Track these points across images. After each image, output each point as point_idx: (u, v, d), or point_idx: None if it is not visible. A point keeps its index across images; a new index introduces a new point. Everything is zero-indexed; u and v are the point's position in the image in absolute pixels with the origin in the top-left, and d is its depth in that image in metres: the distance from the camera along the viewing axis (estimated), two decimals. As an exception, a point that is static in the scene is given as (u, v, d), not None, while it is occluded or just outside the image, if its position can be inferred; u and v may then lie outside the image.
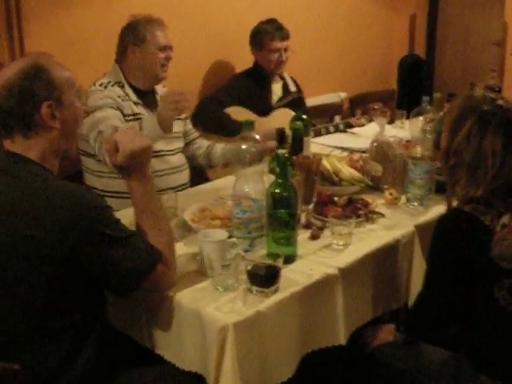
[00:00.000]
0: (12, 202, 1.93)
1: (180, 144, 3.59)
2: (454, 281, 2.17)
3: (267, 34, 4.40)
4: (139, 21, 3.41)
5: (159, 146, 3.31)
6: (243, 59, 4.63)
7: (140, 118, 3.28)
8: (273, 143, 3.08)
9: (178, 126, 3.50)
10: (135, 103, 3.39)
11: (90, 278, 2.00)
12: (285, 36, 4.44)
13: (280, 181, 2.28)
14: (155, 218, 2.14)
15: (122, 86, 3.38)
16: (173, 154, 3.52)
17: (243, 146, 2.29)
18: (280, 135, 2.48)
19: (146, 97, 3.47)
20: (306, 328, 2.23)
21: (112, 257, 1.97)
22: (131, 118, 3.33)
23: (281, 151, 2.31)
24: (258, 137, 2.31)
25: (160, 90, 3.56)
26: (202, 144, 3.65)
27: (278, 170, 2.30)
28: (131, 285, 2.04)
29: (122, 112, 3.27)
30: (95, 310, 2.10)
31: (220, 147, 3.57)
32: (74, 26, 3.90)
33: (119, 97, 3.31)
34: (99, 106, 3.18)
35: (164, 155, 3.44)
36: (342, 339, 2.34)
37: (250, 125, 2.31)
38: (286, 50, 4.43)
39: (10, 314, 1.97)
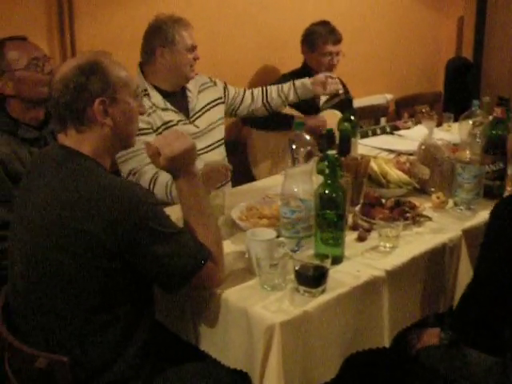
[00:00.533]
0: (64, 195, 1.95)
1: (219, 135, 3.58)
2: (505, 274, 2.15)
3: (321, 37, 4.39)
4: (165, 21, 3.35)
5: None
6: (291, 60, 4.64)
7: (172, 126, 3.30)
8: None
9: (217, 113, 3.53)
10: (163, 109, 3.36)
11: (139, 272, 2.03)
12: (338, 40, 4.42)
13: (329, 181, 2.28)
14: (202, 215, 2.16)
15: (147, 94, 3.34)
16: (212, 149, 3.52)
17: (293, 146, 2.30)
18: (329, 136, 2.48)
19: (174, 98, 3.44)
20: (351, 329, 2.23)
21: (161, 253, 1.98)
22: (162, 128, 3.31)
23: (330, 152, 2.32)
24: (308, 137, 2.31)
25: (191, 84, 3.53)
26: (253, 94, 3.72)
27: (327, 170, 2.30)
28: (180, 281, 2.05)
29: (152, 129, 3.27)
30: (143, 304, 2.12)
31: (273, 89, 3.69)
32: (124, 24, 3.95)
33: (149, 108, 3.26)
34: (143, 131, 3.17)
35: (200, 154, 3.30)
36: (386, 341, 2.34)
37: (300, 125, 2.32)
38: (337, 53, 4.42)
39: (59, 306, 2.00)
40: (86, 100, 2.02)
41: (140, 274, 2.03)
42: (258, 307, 2.06)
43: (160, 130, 3.28)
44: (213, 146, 3.53)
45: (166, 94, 3.40)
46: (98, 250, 1.93)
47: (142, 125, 3.11)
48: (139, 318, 2.09)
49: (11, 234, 2.17)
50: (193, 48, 3.39)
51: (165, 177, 2.97)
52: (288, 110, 4.24)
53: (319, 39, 4.39)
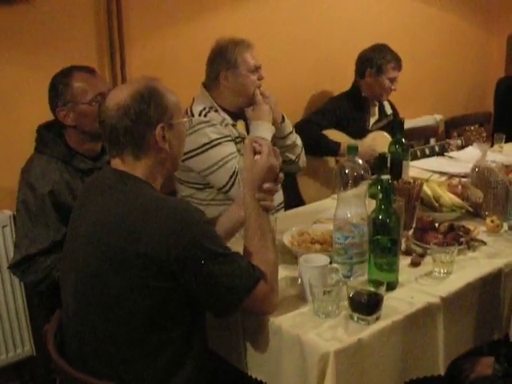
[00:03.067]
0: (117, 218, 1.96)
1: None
2: None
3: (390, 62, 4.38)
4: (227, 45, 3.39)
5: None
6: (339, 83, 4.64)
7: (240, 141, 3.33)
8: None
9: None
10: (233, 125, 3.41)
11: (191, 294, 2.01)
12: (401, 66, 4.43)
13: (383, 206, 2.26)
14: (265, 237, 2.16)
15: (216, 111, 3.38)
16: None
17: (346, 171, 2.28)
18: (381, 160, 2.46)
19: (239, 117, 3.48)
20: (406, 357, 2.19)
21: (215, 273, 1.96)
22: (239, 140, 3.36)
23: (384, 176, 2.28)
24: (360, 161, 2.29)
25: None
26: None
27: (380, 195, 2.27)
28: (233, 303, 2.02)
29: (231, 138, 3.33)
30: (195, 329, 2.10)
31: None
32: (174, 48, 3.98)
33: (221, 123, 3.33)
34: (217, 141, 3.24)
35: None
36: (440, 369, 2.29)
37: (353, 149, 2.30)
38: (396, 79, 4.42)
39: (110, 330, 2.00)
40: (146, 126, 2.04)
41: (192, 295, 2.01)
42: (311, 334, 2.04)
43: (237, 141, 3.35)
44: None
45: (232, 114, 3.44)
46: (151, 271, 1.92)
47: (225, 132, 3.30)
48: (191, 343, 2.08)
49: (63, 258, 2.18)
50: (256, 68, 3.40)
51: None
52: (335, 133, 4.23)
53: (389, 64, 4.38)
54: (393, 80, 4.39)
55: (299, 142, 3.67)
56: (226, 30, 3.90)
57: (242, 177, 2.28)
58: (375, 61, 4.40)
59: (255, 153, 2.25)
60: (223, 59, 3.37)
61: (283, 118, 3.56)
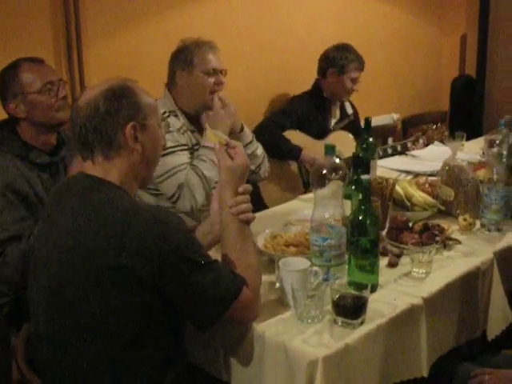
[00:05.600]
0: (93, 229, 1.86)
1: None
2: None
3: (352, 62, 4.35)
4: (188, 45, 3.32)
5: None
6: (301, 82, 4.60)
7: (198, 149, 3.24)
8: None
9: None
10: (191, 131, 3.32)
11: (173, 308, 1.93)
12: (363, 67, 4.41)
13: (362, 207, 2.20)
14: (244, 240, 2.10)
15: (176, 116, 3.29)
16: None
17: (323, 171, 2.22)
18: (357, 160, 2.41)
19: (198, 122, 3.39)
20: (390, 360, 2.14)
21: (197, 283, 1.89)
22: (197, 148, 3.27)
23: (364, 176, 2.23)
24: (338, 160, 2.24)
25: None
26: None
27: (360, 195, 2.22)
28: (216, 312, 1.95)
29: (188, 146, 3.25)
30: (176, 341, 2.02)
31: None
32: (133, 47, 3.90)
33: (179, 130, 3.24)
34: (170, 150, 3.14)
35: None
36: (424, 371, 2.25)
37: (331, 149, 2.25)
38: (358, 80, 4.41)
39: (87, 347, 1.90)
40: (117, 124, 1.95)
41: (173, 308, 1.93)
42: (297, 341, 1.97)
43: (193, 150, 3.26)
44: None
45: (190, 117, 3.35)
46: (131, 284, 1.83)
47: (181, 141, 3.21)
48: (171, 357, 2.00)
49: (31, 272, 2.07)
50: (215, 71, 3.30)
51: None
52: (297, 134, 4.19)
53: (351, 64, 4.35)
54: (354, 80, 4.37)
55: (259, 151, 3.56)
56: (186, 29, 3.86)
57: (219, 182, 2.19)
58: (337, 61, 4.36)
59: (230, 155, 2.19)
60: (181, 58, 3.30)
61: (242, 127, 3.46)
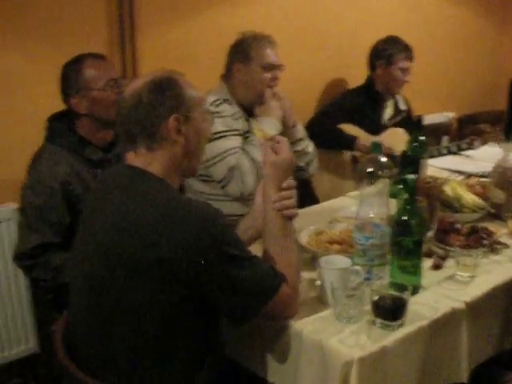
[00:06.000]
0: (134, 221, 1.85)
1: None
2: None
3: (399, 52, 4.29)
4: (246, 38, 3.36)
5: None
6: (355, 76, 4.56)
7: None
8: None
9: None
10: (246, 120, 3.36)
11: (209, 300, 1.91)
12: (412, 56, 4.34)
13: (407, 207, 2.16)
14: (288, 238, 2.08)
15: (231, 104, 3.33)
16: None
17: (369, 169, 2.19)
18: (405, 158, 2.37)
19: (252, 113, 3.40)
20: (429, 365, 2.10)
21: (235, 277, 1.87)
22: (248, 135, 3.30)
23: (409, 176, 2.19)
24: (384, 159, 2.21)
25: None
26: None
27: (405, 195, 2.18)
28: (255, 308, 1.92)
29: (240, 133, 3.26)
30: (211, 334, 2.01)
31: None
32: (186, 39, 3.90)
33: (232, 115, 3.28)
34: (222, 134, 3.18)
35: None
36: (464, 376, 2.21)
37: (378, 147, 2.21)
38: (409, 71, 4.33)
39: (121, 337, 1.89)
40: (160, 116, 1.94)
41: (210, 302, 1.91)
42: (333, 341, 1.94)
43: (245, 136, 3.29)
44: None
45: (244, 107, 3.38)
46: (169, 277, 1.81)
47: (233, 126, 3.26)
48: (206, 349, 1.99)
49: (72, 259, 2.08)
50: (271, 67, 3.33)
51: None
52: (351, 128, 4.14)
53: (398, 54, 4.28)
54: (404, 70, 4.30)
55: (310, 149, 3.58)
56: (242, 21, 3.87)
57: (264, 177, 2.17)
58: (384, 52, 4.32)
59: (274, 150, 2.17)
60: (239, 51, 3.35)
61: (295, 122, 3.48)
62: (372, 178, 2.21)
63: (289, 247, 2.07)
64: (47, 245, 2.60)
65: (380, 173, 2.20)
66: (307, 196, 3.94)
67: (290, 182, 2.17)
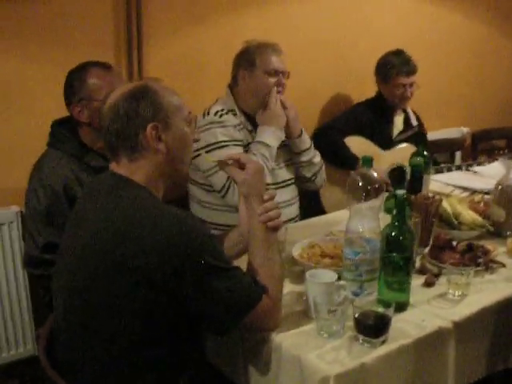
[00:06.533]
0: (114, 225, 1.85)
1: (289, 175, 3.51)
2: None
3: (394, 68, 4.22)
4: (251, 46, 3.37)
5: (267, 178, 3.24)
6: (363, 90, 4.52)
7: None
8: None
9: (283, 154, 3.44)
10: (250, 131, 3.35)
11: (189, 309, 1.89)
12: (412, 71, 4.24)
13: (396, 223, 2.14)
14: (270, 248, 2.07)
15: (235, 114, 3.33)
16: (282, 187, 3.44)
17: (360, 183, 2.17)
18: (399, 173, 2.35)
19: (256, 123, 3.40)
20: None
21: (214, 288, 1.86)
22: (247, 147, 3.29)
23: (399, 191, 2.16)
24: (375, 174, 2.19)
25: None
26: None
27: (394, 211, 2.16)
28: (233, 320, 1.91)
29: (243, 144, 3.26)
30: (191, 341, 2.00)
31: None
32: (192, 48, 3.88)
33: (235, 126, 3.28)
34: (223, 144, 3.17)
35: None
36: (449, 398, 2.18)
37: (368, 162, 2.19)
38: (411, 85, 4.25)
39: (100, 344, 1.89)
40: (137, 126, 1.94)
41: (190, 311, 1.90)
42: (312, 356, 1.92)
43: (246, 149, 3.28)
44: (283, 184, 3.49)
45: (249, 117, 3.38)
46: (148, 285, 1.81)
47: (236, 136, 3.26)
48: (186, 356, 1.98)
49: (58, 263, 2.08)
50: (276, 72, 3.33)
51: None
52: (362, 141, 4.13)
53: (392, 70, 4.23)
54: (402, 86, 4.24)
55: (317, 159, 3.56)
56: (249, 30, 3.85)
57: (242, 197, 2.17)
58: (382, 68, 4.30)
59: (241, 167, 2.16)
60: (244, 58, 3.36)
61: (301, 132, 3.46)
62: (363, 192, 2.18)
63: (272, 258, 2.05)
64: (54, 245, 2.60)
65: (370, 187, 2.18)
66: (313, 208, 3.93)
67: (271, 193, 2.17)
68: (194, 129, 2.13)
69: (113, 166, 2.01)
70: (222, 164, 2.18)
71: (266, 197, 2.12)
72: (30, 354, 3.49)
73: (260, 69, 3.30)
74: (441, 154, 5.01)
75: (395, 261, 2.14)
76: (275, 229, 2.11)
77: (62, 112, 2.81)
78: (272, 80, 3.32)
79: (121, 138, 1.95)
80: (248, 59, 3.33)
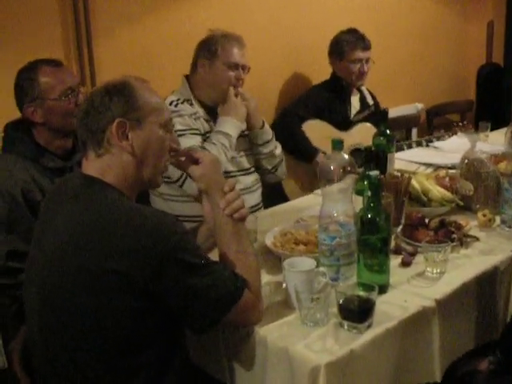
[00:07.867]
0: (84, 228, 1.79)
1: (250, 163, 3.48)
2: None
3: (349, 44, 4.22)
4: (215, 35, 3.32)
5: (227, 166, 3.22)
6: (319, 71, 4.49)
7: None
8: None
9: (243, 144, 3.40)
10: (206, 120, 3.30)
11: (169, 311, 1.84)
12: (367, 46, 4.25)
13: (372, 204, 2.10)
14: (241, 240, 2.01)
15: (191, 104, 3.29)
16: (243, 175, 3.41)
17: (331, 167, 2.13)
18: (368, 154, 2.31)
19: (215, 113, 3.35)
20: (400, 365, 2.04)
21: (195, 286, 1.81)
22: (208, 135, 3.24)
23: (372, 172, 2.12)
24: (346, 156, 2.15)
25: None
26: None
27: (368, 192, 2.12)
28: (215, 317, 1.86)
29: (200, 132, 3.21)
30: (174, 345, 1.94)
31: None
32: (143, 41, 3.82)
33: (191, 115, 3.23)
34: (180, 132, 3.10)
35: (234, 176, 3.33)
36: (437, 375, 2.15)
37: (338, 144, 2.15)
38: (367, 61, 4.25)
39: (81, 354, 1.83)
40: (106, 120, 1.88)
41: (171, 312, 1.85)
42: (299, 346, 1.88)
43: (205, 137, 3.24)
44: (245, 172, 3.46)
45: (206, 107, 3.34)
46: (124, 289, 1.75)
47: (192, 125, 3.19)
48: (171, 360, 1.92)
49: (27, 273, 2.01)
50: (236, 66, 3.30)
51: None
52: (320, 124, 4.10)
53: (347, 46, 4.23)
54: (360, 61, 4.24)
55: (278, 151, 3.53)
56: (201, 21, 3.79)
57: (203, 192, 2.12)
58: (337, 46, 4.29)
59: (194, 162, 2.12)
60: (205, 47, 3.32)
61: (263, 123, 3.43)
62: (333, 175, 2.14)
63: (245, 251, 2.01)
64: (19, 252, 2.50)
65: (341, 170, 2.14)
66: (276, 196, 3.88)
67: (230, 182, 2.11)
68: (174, 137, 2.07)
69: (84, 164, 1.96)
70: (175, 162, 2.11)
71: (226, 188, 2.06)
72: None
73: (221, 60, 3.27)
74: (397, 131, 4.99)
75: (373, 243, 2.11)
76: (242, 219, 2.06)
77: (15, 114, 2.72)
78: (231, 74, 3.29)
79: (90, 131, 1.90)
80: (210, 49, 3.29)
